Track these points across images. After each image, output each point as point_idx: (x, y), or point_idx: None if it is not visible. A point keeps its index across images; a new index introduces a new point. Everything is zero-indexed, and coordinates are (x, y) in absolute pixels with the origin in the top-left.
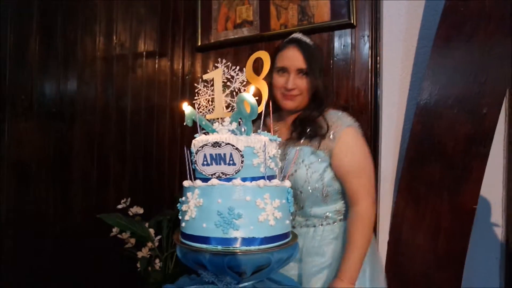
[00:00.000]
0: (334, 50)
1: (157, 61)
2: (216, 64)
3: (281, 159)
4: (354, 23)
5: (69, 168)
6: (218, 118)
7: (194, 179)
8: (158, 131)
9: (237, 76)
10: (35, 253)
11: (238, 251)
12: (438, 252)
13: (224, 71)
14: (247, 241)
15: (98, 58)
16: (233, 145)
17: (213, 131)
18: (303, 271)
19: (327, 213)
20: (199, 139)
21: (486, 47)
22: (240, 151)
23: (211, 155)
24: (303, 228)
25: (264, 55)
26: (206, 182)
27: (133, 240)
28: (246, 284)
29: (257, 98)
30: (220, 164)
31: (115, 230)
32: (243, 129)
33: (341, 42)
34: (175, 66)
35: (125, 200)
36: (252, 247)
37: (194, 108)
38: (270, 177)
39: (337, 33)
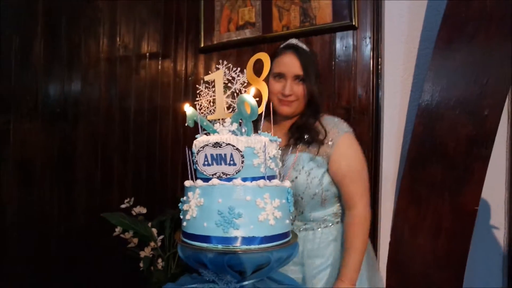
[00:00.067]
0: (336, 51)
1: (160, 62)
2: (217, 66)
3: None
4: (356, 25)
5: (73, 169)
6: (219, 119)
7: (196, 179)
8: (161, 132)
9: (238, 78)
10: (39, 252)
11: (238, 250)
12: (439, 252)
13: (225, 72)
14: (247, 240)
15: (102, 59)
16: (233, 146)
17: (214, 131)
18: (305, 273)
19: (325, 217)
20: (200, 140)
21: (488, 48)
22: (241, 152)
23: (212, 155)
24: (302, 232)
25: (264, 57)
26: (207, 182)
27: (136, 240)
28: (246, 283)
29: (257, 99)
30: (220, 164)
31: (118, 229)
32: (243, 130)
33: (342, 43)
34: (178, 68)
35: (128, 200)
36: (252, 246)
37: (196, 109)
38: (270, 177)
39: (339, 34)
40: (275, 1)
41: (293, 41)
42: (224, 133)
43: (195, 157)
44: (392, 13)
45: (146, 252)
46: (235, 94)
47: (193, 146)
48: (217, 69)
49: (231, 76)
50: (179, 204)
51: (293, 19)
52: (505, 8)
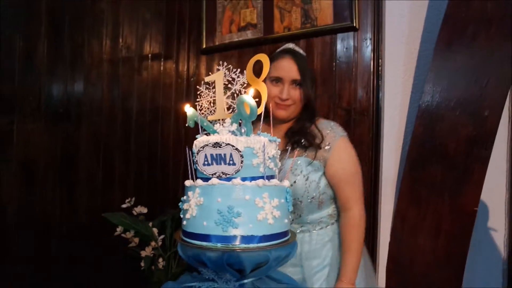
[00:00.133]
0: (337, 52)
1: (162, 63)
2: (218, 67)
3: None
4: (357, 26)
5: (75, 168)
6: (219, 119)
7: (196, 179)
8: (163, 132)
9: (238, 79)
10: (41, 252)
11: (237, 248)
12: (439, 253)
13: (225, 73)
14: (246, 239)
15: (104, 60)
16: (233, 146)
17: (214, 132)
18: (304, 274)
19: (321, 218)
20: (200, 140)
21: (488, 50)
22: (240, 152)
23: (211, 155)
24: (298, 234)
25: (264, 58)
26: (207, 181)
27: (137, 239)
28: (245, 281)
29: (257, 100)
30: (220, 164)
31: (119, 229)
32: (243, 130)
33: (343, 44)
34: (180, 68)
35: (129, 199)
36: (251, 245)
37: (196, 109)
38: (269, 177)
39: (340, 36)
40: (277, 3)
41: (290, 45)
42: (224, 133)
43: (195, 157)
44: (393, 14)
45: (147, 252)
46: (235, 95)
47: (193, 146)
48: (218, 70)
49: (231, 77)
50: (179, 203)
51: (294, 20)
52: (505, 9)
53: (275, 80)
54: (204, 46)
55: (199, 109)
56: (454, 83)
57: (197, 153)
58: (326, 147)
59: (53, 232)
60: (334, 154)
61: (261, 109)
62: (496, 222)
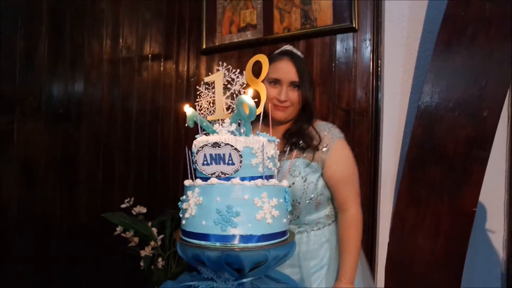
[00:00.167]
0: (336, 53)
1: (162, 63)
2: (217, 67)
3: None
4: (356, 27)
5: (75, 168)
6: (218, 120)
7: (195, 178)
8: (163, 133)
9: (237, 79)
10: (41, 252)
11: (236, 247)
12: (437, 253)
13: (224, 74)
14: (244, 238)
15: (104, 60)
16: (232, 146)
17: (213, 132)
18: (303, 275)
19: (319, 219)
20: (200, 140)
21: (487, 51)
22: (239, 151)
23: (211, 155)
24: (296, 235)
25: (263, 59)
26: (206, 181)
27: (136, 239)
28: (244, 280)
29: (256, 100)
30: (219, 163)
31: (119, 229)
32: (242, 130)
33: (343, 45)
34: (180, 69)
35: (128, 199)
36: (250, 244)
37: (196, 109)
38: (268, 177)
39: (339, 36)
40: (276, 3)
41: (288, 47)
42: (223, 133)
43: (195, 156)
44: (392, 15)
45: (146, 251)
46: (235, 95)
47: (193, 146)
48: (218, 70)
49: (231, 78)
50: (179, 203)
51: (294, 21)
52: (504, 10)
53: (273, 81)
54: (204, 47)
55: (199, 109)
56: (453, 84)
57: (197, 153)
58: (324, 149)
59: (53, 231)
60: (332, 155)
61: (260, 110)
62: (495, 222)
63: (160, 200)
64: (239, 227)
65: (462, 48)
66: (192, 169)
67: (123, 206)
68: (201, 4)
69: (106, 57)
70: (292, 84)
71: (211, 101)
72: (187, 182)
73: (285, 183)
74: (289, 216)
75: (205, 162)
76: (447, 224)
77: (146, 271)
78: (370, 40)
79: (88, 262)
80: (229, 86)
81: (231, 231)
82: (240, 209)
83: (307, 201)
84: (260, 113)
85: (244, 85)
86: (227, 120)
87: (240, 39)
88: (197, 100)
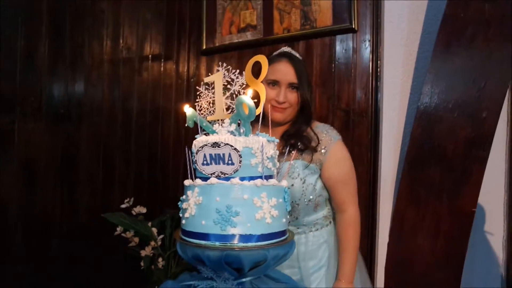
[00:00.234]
0: (336, 54)
1: (162, 64)
2: (217, 68)
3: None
4: (356, 28)
5: (75, 169)
6: (218, 120)
7: (195, 178)
8: (163, 133)
9: (237, 79)
10: (41, 252)
11: (235, 247)
12: (437, 253)
13: (224, 74)
14: (244, 237)
15: (105, 61)
16: (231, 146)
17: (213, 132)
18: (302, 275)
19: (317, 220)
20: (200, 140)
21: (486, 51)
22: (239, 151)
23: (210, 155)
24: (294, 236)
25: (263, 59)
26: (206, 181)
27: (136, 239)
28: (243, 280)
29: (255, 100)
30: (219, 163)
31: (119, 229)
32: (242, 130)
33: (342, 46)
34: (180, 69)
35: (128, 199)
36: (249, 244)
37: (196, 110)
38: (268, 177)
39: (339, 37)
40: (276, 4)
41: (287, 49)
42: (223, 134)
43: (195, 156)
44: (392, 16)
45: (146, 251)
46: (234, 96)
47: (193, 146)
48: (218, 71)
49: (230, 78)
50: (179, 203)
51: (294, 22)
52: (503, 11)
53: (272, 83)
54: (204, 47)
55: (199, 110)
56: (453, 85)
57: (196, 153)
58: (322, 151)
59: (54, 231)
60: (330, 157)
61: (260, 110)
62: (494, 223)
63: (160, 200)
64: (238, 227)
65: (461, 49)
66: (192, 169)
67: (123, 206)
68: (201, 5)
69: (106, 58)
70: (291, 85)
71: (211, 102)
72: (187, 182)
73: (284, 183)
74: (288, 217)
75: (204, 162)
76: (446, 224)
77: (146, 271)
78: (369, 40)
79: (88, 262)
80: (228, 86)
81: (231, 230)
82: (239, 208)
83: (306, 203)
84: (259, 114)
85: (244, 86)
86: (227, 120)
87: (240, 40)
88: (197, 100)
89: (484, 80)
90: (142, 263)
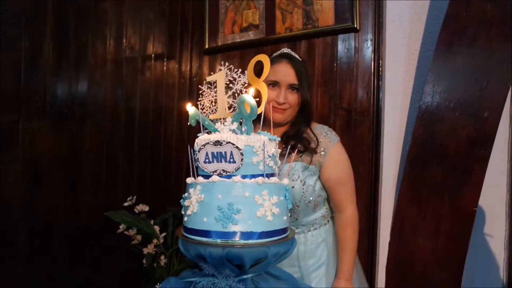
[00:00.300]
0: (338, 53)
1: (165, 63)
2: (220, 67)
3: None
4: (358, 27)
5: (79, 167)
6: (220, 118)
7: (197, 176)
8: (166, 132)
9: (239, 78)
10: (45, 248)
11: (236, 244)
12: (438, 253)
13: (226, 73)
14: (245, 235)
15: (108, 60)
16: (233, 144)
17: (215, 130)
18: (302, 273)
19: (315, 220)
20: (202, 138)
21: (488, 51)
22: (240, 150)
23: (212, 153)
24: None
25: (265, 59)
26: (208, 178)
27: (139, 237)
28: (244, 277)
29: (257, 99)
30: (221, 161)
31: (122, 227)
32: (243, 129)
33: (344, 45)
34: (183, 68)
35: (131, 198)
36: (250, 241)
37: (198, 108)
38: (269, 175)
39: (341, 36)
40: (279, 4)
41: (287, 50)
42: (224, 132)
43: (197, 154)
44: (394, 15)
45: (149, 249)
46: (236, 95)
47: (195, 144)
48: (220, 70)
49: (233, 77)
50: (181, 200)
51: (296, 21)
52: (505, 11)
53: (272, 84)
54: (206, 47)
55: (201, 108)
56: (454, 84)
57: (199, 151)
58: (322, 153)
59: (57, 229)
60: (329, 159)
61: (261, 109)
62: (496, 223)
63: (162, 198)
64: (240, 224)
65: (463, 49)
66: (194, 167)
67: (125, 204)
68: (204, 5)
69: (109, 57)
70: (291, 86)
71: (213, 100)
72: (189, 180)
73: (285, 181)
74: (289, 214)
75: (207, 160)
76: (447, 224)
77: (149, 268)
78: (371, 40)
79: (91, 259)
80: (230, 85)
81: (232, 228)
82: (241, 206)
83: (306, 204)
84: (261, 112)
85: (246, 85)
86: (229, 119)
87: (242, 39)
88: (199, 99)
89: (486, 80)
90: (144, 261)
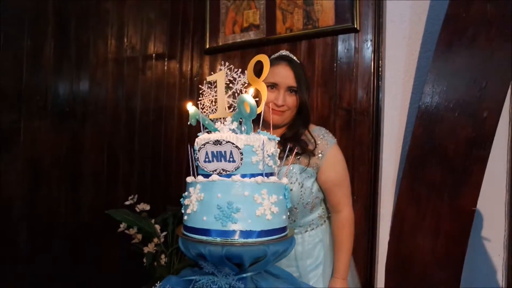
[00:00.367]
0: (338, 53)
1: (166, 63)
2: (220, 67)
3: None
4: (358, 28)
5: (80, 167)
6: (220, 118)
7: (197, 175)
8: (166, 132)
9: (239, 78)
10: (47, 248)
11: (236, 243)
12: (437, 252)
13: (227, 73)
14: (244, 233)
15: (109, 60)
16: (233, 143)
17: (215, 130)
18: (300, 273)
19: (312, 220)
20: (202, 137)
21: (487, 52)
22: (240, 149)
23: (212, 152)
24: None
25: (264, 59)
26: (207, 178)
27: (140, 236)
28: (244, 275)
29: (257, 99)
30: (220, 161)
31: (122, 225)
32: (243, 128)
33: (344, 46)
34: (184, 68)
35: (132, 196)
36: (249, 240)
37: (198, 108)
38: (268, 174)
39: (341, 37)
40: (279, 4)
41: (285, 52)
42: (224, 131)
43: (197, 154)
44: (394, 16)
45: (149, 248)
46: (236, 94)
47: (195, 144)
48: (220, 70)
49: (233, 77)
50: (181, 199)
51: (297, 21)
52: (505, 11)
53: (271, 86)
54: (207, 47)
55: (201, 108)
56: (454, 85)
57: (199, 150)
58: (319, 155)
59: (58, 228)
60: (327, 161)
61: (261, 109)
62: (496, 222)
63: (162, 198)
64: (239, 223)
65: (462, 49)
66: (194, 166)
67: (127, 203)
68: (205, 5)
69: (111, 57)
70: (290, 89)
71: (213, 100)
72: (189, 179)
73: (285, 180)
74: (288, 213)
75: (206, 159)
76: (447, 224)
77: (149, 267)
78: (371, 40)
79: (91, 258)
80: (230, 85)
81: (232, 226)
82: (240, 205)
83: (304, 206)
84: (261, 112)
85: (246, 85)
86: (229, 119)
87: (243, 39)
88: (199, 99)
89: (485, 80)
90: (144, 260)
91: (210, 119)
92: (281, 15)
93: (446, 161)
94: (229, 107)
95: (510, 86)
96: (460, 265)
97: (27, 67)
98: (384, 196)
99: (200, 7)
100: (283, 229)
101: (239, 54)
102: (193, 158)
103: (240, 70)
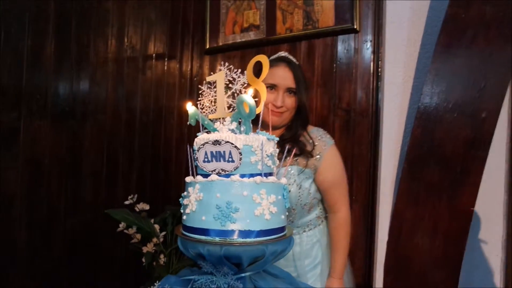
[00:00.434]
0: (337, 54)
1: (166, 63)
2: (220, 67)
3: None
4: (357, 28)
5: (80, 166)
6: (219, 118)
7: (196, 175)
8: (166, 132)
9: (239, 79)
10: (45, 246)
11: (234, 242)
12: (436, 252)
13: (226, 73)
14: (243, 233)
15: (109, 60)
16: (232, 143)
17: (214, 130)
18: (298, 273)
19: (310, 221)
20: (201, 137)
21: (486, 53)
22: (239, 149)
23: (211, 152)
24: None
25: (264, 59)
26: (207, 177)
27: (139, 236)
28: (242, 275)
29: (256, 99)
30: (220, 161)
31: (122, 225)
32: (242, 129)
33: (344, 46)
34: (184, 68)
35: (132, 196)
36: (248, 239)
37: (198, 108)
38: (267, 174)
39: (341, 37)
40: (279, 4)
41: (284, 54)
42: (223, 132)
43: (196, 154)
44: (393, 16)
45: (148, 248)
46: (235, 94)
47: (194, 144)
48: (220, 70)
49: (232, 77)
50: (180, 199)
51: (297, 22)
52: (504, 13)
53: (270, 87)
54: (207, 47)
55: (201, 108)
56: (453, 85)
57: (198, 150)
58: (317, 156)
59: (57, 227)
60: (324, 162)
61: (260, 109)
62: (494, 222)
63: (162, 197)
64: (238, 223)
65: (462, 50)
66: (193, 166)
67: (126, 202)
68: (205, 5)
69: (111, 57)
70: (289, 90)
71: (213, 100)
72: (188, 179)
73: (283, 180)
74: (286, 213)
75: (205, 159)
76: (445, 224)
77: (148, 267)
78: (371, 41)
79: (90, 257)
80: (230, 85)
81: (230, 226)
82: (239, 205)
83: (302, 207)
84: (260, 112)
85: (245, 85)
86: (228, 119)
87: (243, 40)
88: (199, 99)
89: (484, 81)
90: (143, 260)
91: (210, 119)
92: (281, 15)
93: (444, 161)
94: (229, 107)
95: (509, 86)
96: (459, 265)
97: (28, 66)
98: (383, 196)
99: (200, 7)
100: (281, 229)
101: (239, 54)
102: (192, 158)
103: (239, 70)
